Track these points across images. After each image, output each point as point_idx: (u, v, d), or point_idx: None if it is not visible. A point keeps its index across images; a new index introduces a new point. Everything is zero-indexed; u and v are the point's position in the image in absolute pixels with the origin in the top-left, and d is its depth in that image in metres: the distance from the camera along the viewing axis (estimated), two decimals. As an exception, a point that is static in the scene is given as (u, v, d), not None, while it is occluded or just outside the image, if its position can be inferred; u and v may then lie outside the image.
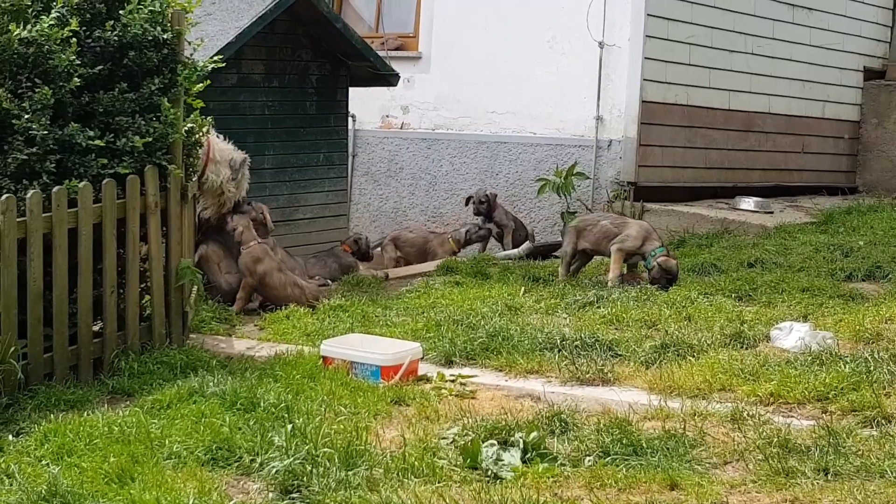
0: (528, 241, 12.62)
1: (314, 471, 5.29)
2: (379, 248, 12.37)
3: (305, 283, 9.76)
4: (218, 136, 9.38)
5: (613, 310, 8.73)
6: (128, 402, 6.63)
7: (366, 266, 11.59)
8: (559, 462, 5.54)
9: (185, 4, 7.98)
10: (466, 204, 13.01)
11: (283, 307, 9.21)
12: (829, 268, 10.26)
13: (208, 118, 8.38)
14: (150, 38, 7.56)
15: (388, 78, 12.31)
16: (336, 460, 5.40)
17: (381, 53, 12.66)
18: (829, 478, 5.18)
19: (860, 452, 5.46)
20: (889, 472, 5.17)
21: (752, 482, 5.20)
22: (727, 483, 5.21)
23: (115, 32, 7.44)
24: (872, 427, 5.93)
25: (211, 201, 9.59)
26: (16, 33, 7.10)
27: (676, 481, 5.17)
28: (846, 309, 8.65)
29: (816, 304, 8.86)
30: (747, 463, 5.47)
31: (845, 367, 6.77)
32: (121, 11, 7.50)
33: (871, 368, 6.73)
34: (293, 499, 5.12)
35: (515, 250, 12.29)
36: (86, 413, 6.23)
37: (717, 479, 5.27)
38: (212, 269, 9.64)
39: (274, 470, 5.35)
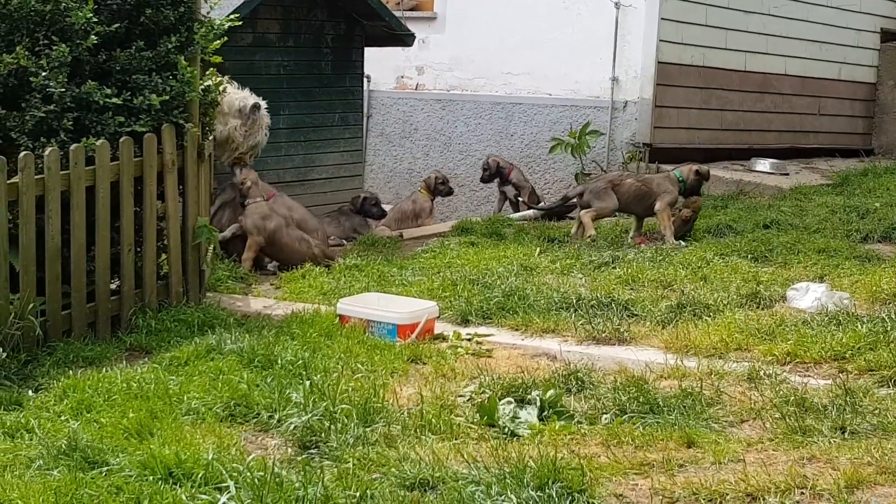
0: (542, 203, 12.62)
1: (332, 427, 5.31)
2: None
3: (315, 239, 9.72)
4: (230, 84, 9.22)
5: (629, 270, 8.73)
6: (146, 359, 6.65)
7: (379, 225, 11.60)
8: (576, 420, 5.55)
9: (202, -38, 7.95)
10: (483, 180, 13.12)
11: (295, 267, 9.17)
12: (845, 229, 10.24)
13: (225, 77, 8.36)
14: (167, -5, 7.55)
15: (403, 38, 12.27)
16: (354, 417, 5.41)
17: (396, 13, 12.61)
18: (846, 436, 5.18)
19: (877, 411, 5.46)
20: (906, 431, 5.17)
21: (769, 440, 5.20)
22: (744, 441, 5.21)
23: (132, -10, 7.43)
24: (890, 386, 5.94)
25: (221, 150, 9.56)
26: (33, -9, 7.09)
27: (693, 439, 5.17)
28: (862, 270, 8.64)
29: (832, 265, 8.85)
30: (764, 421, 5.47)
31: (862, 328, 6.77)
32: (137, -31, 7.49)
33: (889, 328, 6.73)
34: (311, 454, 5.13)
35: (531, 211, 12.28)
36: (104, 369, 6.25)
37: (734, 437, 5.27)
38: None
39: (292, 426, 5.37)
